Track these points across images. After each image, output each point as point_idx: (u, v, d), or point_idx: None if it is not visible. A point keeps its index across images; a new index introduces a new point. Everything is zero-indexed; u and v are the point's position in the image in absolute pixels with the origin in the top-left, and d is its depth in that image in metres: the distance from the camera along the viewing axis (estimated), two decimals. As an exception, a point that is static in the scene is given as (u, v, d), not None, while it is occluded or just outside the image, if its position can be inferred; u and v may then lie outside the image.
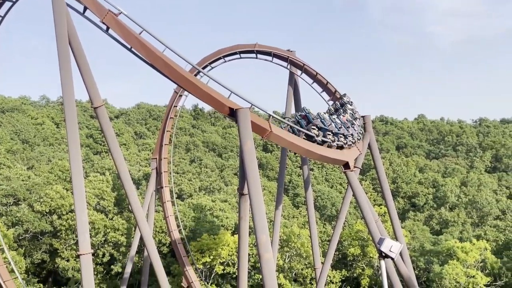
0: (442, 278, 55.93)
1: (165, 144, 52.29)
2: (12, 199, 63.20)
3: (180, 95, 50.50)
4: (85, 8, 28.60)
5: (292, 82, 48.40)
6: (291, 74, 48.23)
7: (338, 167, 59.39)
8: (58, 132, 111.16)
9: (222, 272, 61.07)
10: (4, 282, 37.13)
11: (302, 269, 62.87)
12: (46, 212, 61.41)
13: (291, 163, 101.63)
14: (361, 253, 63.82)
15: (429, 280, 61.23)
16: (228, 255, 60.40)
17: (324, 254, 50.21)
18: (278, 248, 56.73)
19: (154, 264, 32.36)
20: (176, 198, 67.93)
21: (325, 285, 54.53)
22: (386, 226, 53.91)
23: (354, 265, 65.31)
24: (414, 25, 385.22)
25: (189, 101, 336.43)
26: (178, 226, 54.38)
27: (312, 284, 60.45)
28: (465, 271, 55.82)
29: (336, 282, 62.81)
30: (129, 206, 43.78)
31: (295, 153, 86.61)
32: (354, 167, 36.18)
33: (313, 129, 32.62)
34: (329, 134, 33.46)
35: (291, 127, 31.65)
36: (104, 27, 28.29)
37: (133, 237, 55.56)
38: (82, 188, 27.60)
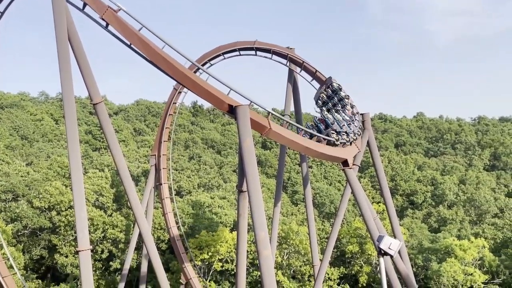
0: (440, 275, 56.07)
1: (164, 141, 52.26)
2: (11, 195, 63.27)
3: (180, 92, 50.43)
4: (85, 4, 28.58)
5: (292, 80, 48.35)
6: (291, 72, 48.18)
7: (337, 164, 59.44)
8: (57, 128, 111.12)
9: (221, 268, 61.22)
10: (3, 278, 37.17)
11: (300, 266, 63.00)
12: (45, 208, 61.49)
13: (290, 161, 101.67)
14: (360, 251, 63.94)
15: (427, 278, 61.36)
16: (227, 252, 60.53)
17: (323, 251, 50.25)
18: (277, 245, 56.79)
19: (153, 261, 32.42)
20: (175, 194, 67.97)
21: (323, 282, 54.62)
22: (384, 224, 54.02)
23: (352, 262, 65.45)
24: (413, 24, 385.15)
25: (188, 98, 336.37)
26: (176, 222, 54.40)
27: (311, 281, 60.58)
28: (463, 269, 55.97)
29: (334, 279, 62.94)
30: (128, 203, 43.85)
31: (294, 151, 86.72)
32: (353, 164, 36.20)
33: (333, 133, 34.04)
34: (333, 133, 34.14)
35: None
36: (104, 24, 28.26)
37: (131, 234, 55.61)
38: (81, 184, 27.64)
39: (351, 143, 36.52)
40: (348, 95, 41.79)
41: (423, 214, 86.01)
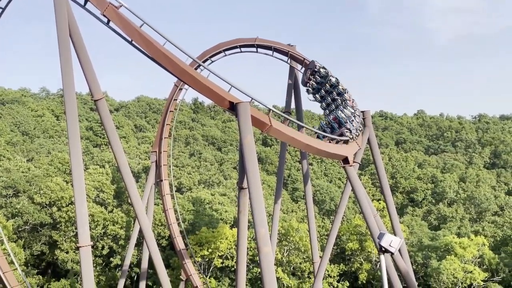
0: (440, 273, 56.17)
1: (164, 138, 52.29)
2: (11, 191, 63.31)
3: (180, 89, 50.43)
4: (86, 1, 28.61)
5: (293, 77, 48.29)
6: (291, 69, 48.12)
7: (338, 162, 59.48)
8: (58, 125, 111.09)
9: (221, 265, 61.33)
10: (3, 273, 37.22)
11: (300, 263, 63.09)
12: (46, 204, 61.59)
13: (291, 158, 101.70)
14: (359, 248, 64.04)
15: (426, 275, 61.49)
16: (227, 248, 60.65)
17: (323, 248, 50.35)
18: (277, 242, 56.87)
19: (153, 257, 32.51)
20: (176, 191, 68.03)
21: (323, 279, 54.73)
22: (384, 221, 54.05)
23: (352, 260, 65.56)
24: (413, 22, 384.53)
25: (189, 94, 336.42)
26: (177, 219, 54.45)
27: (310, 278, 60.69)
28: (462, 267, 56.05)
29: (334, 276, 63.08)
30: (129, 199, 43.90)
31: (294, 148, 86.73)
32: (354, 162, 36.25)
33: (347, 131, 35.02)
34: (347, 131, 35.04)
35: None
36: (105, 20, 28.28)
37: (132, 230, 55.70)
38: (82, 180, 27.71)
39: (352, 139, 36.69)
40: (346, 89, 41.70)
41: (423, 212, 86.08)
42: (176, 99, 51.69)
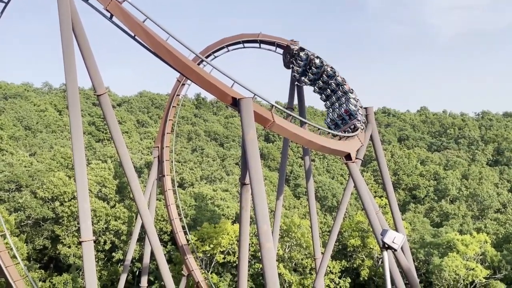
0: (442, 270, 56.10)
1: (167, 133, 52.28)
2: (14, 185, 63.44)
3: (183, 84, 50.40)
4: (89, -5, 28.54)
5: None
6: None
7: (340, 158, 59.39)
8: (60, 119, 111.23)
9: (223, 260, 61.40)
10: (6, 267, 37.30)
11: (302, 259, 63.12)
12: (48, 199, 61.69)
13: (293, 154, 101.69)
14: (361, 244, 64.02)
15: (428, 272, 61.43)
16: (229, 244, 60.69)
17: (324, 245, 50.34)
18: (279, 238, 56.90)
19: (155, 252, 32.53)
20: (178, 186, 68.09)
21: (325, 275, 54.77)
22: (386, 218, 54.05)
23: (354, 256, 65.54)
24: (416, 18, 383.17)
25: (191, 90, 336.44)
26: (179, 214, 54.50)
27: (312, 274, 60.71)
28: (464, 264, 55.95)
29: (335, 273, 63.07)
30: (131, 194, 43.89)
31: (297, 144, 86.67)
32: (356, 158, 36.19)
33: (358, 122, 36.22)
34: (358, 122, 37.29)
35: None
36: (108, 15, 28.22)
37: (134, 225, 55.81)
38: (84, 175, 27.67)
39: (362, 129, 37.44)
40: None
41: (425, 209, 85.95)
42: (179, 95, 51.65)
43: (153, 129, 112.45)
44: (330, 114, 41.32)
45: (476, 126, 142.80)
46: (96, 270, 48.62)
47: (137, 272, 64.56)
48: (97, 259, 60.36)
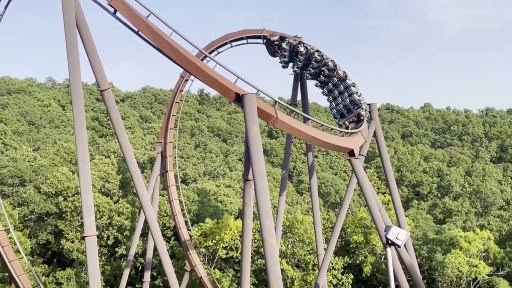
0: (445, 267, 56.09)
1: (170, 129, 52.34)
2: (18, 180, 63.64)
3: (186, 80, 50.38)
4: (93, -10, 28.47)
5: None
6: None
7: (343, 154, 59.29)
8: (64, 115, 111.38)
9: (225, 256, 61.52)
10: (9, 262, 37.50)
11: (304, 255, 63.19)
12: (52, 194, 61.88)
13: (296, 150, 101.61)
14: (364, 241, 64.00)
15: (431, 269, 61.43)
16: (231, 239, 60.78)
17: (327, 241, 50.34)
18: (282, 234, 56.95)
19: (158, 247, 32.60)
20: (181, 182, 68.15)
21: (327, 271, 54.81)
22: (389, 214, 54.00)
23: (356, 252, 65.55)
24: (420, 14, 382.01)
25: (195, 85, 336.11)
26: (182, 210, 54.63)
27: (315, 270, 60.78)
28: (467, 260, 55.92)
29: (338, 269, 63.11)
30: (134, 189, 43.98)
31: (300, 140, 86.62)
32: (359, 155, 36.14)
33: (362, 110, 37.41)
34: (363, 110, 39.03)
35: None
36: (112, 10, 28.20)
37: (137, 220, 55.94)
38: (87, 170, 27.70)
39: (368, 119, 38.39)
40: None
41: (428, 205, 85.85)
42: (182, 90, 51.66)
43: (156, 124, 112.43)
44: (334, 105, 41.65)
45: (480, 122, 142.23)
46: (99, 265, 48.81)
47: (140, 267, 64.76)
48: (100, 254, 60.56)
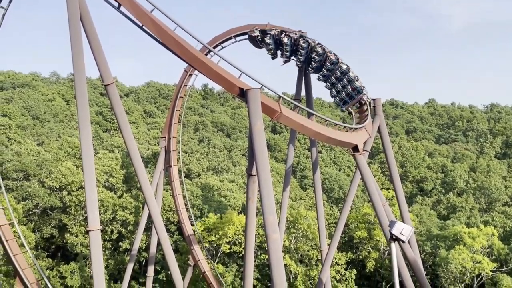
0: (448, 263, 56.07)
1: (174, 123, 52.36)
2: (22, 174, 63.84)
3: (190, 75, 50.34)
4: (97, -15, 28.41)
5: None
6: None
7: (347, 150, 59.17)
8: (68, 109, 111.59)
9: (229, 251, 61.61)
10: (14, 255, 37.65)
11: (308, 251, 63.24)
12: (56, 188, 62.05)
13: (300, 145, 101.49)
14: (368, 236, 64.02)
15: (435, 265, 61.41)
16: (235, 234, 60.85)
17: (331, 236, 50.35)
18: (285, 229, 56.94)
19: (162, 242, 32.68)
20: (184, 177, 68.24)
21: (331, 266, 54.83)
22: (393, 210, 53.95)
23: (360, 248, 65.59)
24: (426, 8, 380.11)
25: (198, 80, 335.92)
26: (185, 205, 54.72)
27: (318, 265, 60.82)
28: (471, 257, 55.88)
29: (341, 264, 63.14)
30: (138, 184, 44.02)
31: (304, 135, 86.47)
32: (363, 150, 36.06)
33: (364, 95, 38.75)
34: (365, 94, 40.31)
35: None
36: (116, 4, 28.15)
37: (141, 215, 56.08)
38: (92, 165, 27.72)
39: (369, 104, 39.38)
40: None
41: (432, 201, 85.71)
42: (186, 85, 51.64)
43: (160, 119, 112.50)
44: (335, 92, 42.18)
45: (484, 118, 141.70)
46: (103, 259, 48.90)
47: (144, 261, 64.94)
48: (104, 249, 60.76)
